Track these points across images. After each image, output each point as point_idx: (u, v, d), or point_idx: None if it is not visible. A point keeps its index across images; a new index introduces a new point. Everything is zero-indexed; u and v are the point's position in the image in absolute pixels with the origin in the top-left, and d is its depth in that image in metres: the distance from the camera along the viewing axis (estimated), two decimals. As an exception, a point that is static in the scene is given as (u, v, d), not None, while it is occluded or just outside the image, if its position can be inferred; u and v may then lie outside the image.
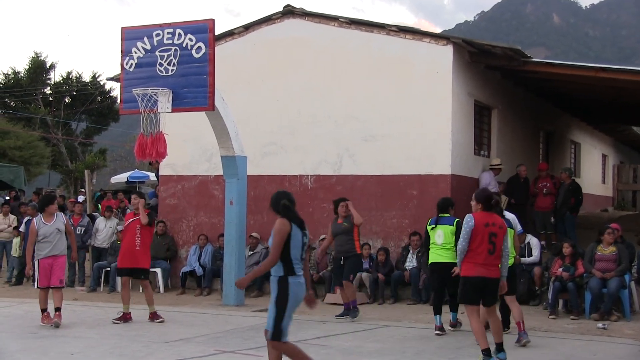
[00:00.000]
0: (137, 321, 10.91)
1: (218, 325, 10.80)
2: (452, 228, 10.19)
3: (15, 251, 16.30)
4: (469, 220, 8.03)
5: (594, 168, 27.20)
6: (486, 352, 7.91)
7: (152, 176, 28.00)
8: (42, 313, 10.70)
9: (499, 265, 8.06)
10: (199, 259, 15.07)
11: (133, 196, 11.62)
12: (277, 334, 6.45)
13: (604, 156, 29.18)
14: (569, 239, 12.91)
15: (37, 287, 10.72)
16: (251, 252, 14.57)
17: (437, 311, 10.25)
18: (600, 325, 10.68)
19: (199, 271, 14.91)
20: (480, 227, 7.93)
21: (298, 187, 15.10)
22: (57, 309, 10.56)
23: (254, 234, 14.77)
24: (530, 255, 12.87)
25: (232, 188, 13.04)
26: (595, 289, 11.37)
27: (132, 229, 11.16)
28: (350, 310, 11.33)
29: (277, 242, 6.46)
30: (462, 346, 9.26)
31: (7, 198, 21.40)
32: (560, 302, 11.94)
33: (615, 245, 11.76)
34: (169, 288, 15.41)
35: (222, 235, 14.01)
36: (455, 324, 10.52)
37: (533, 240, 13.09)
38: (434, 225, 10.35)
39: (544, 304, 12.26)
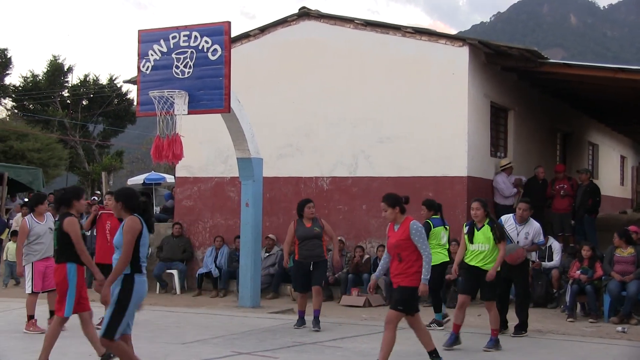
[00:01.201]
0: (154, 322, 10.94)
1: (234, 326, 10.80)
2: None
3: (5, 255, 16.20)
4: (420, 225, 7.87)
5: (613, 170, 26.99)
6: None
7: (169, 178, 28.09)
8: (29, 320, 10.13)
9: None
10: (215, 261, 15.11)
11: (108, 197, 11.16)
12: (110, 331, 6.23)
13: (623, 158, 28.95)
14: (587, 242, 12.80)
15: (31, 291, 9.98)
16: (267, 254, 14.59)
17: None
18: (619, 328, 10.59)
19: (215, 273, 14.95)
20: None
21: (314, 189, 15.11)
22: (53, 313, 9.87)
23: (270, 235, 14.80)
24: (551, 259, 12.79)
25: (248, 190, 13.06)
26: (614, 291, 11.27)
27: (103, 225, 10.89)
28: (314, 319, 10.50)
29: (129, 240, 6.30)
30: (478, 349, 9.20)
31: (26, 200, 21.54)
32: (578, 305, 11.85)
33: (634, 247, 11.66)
34: (185, 289, 15.46)
35: (238, 236, 14.03)
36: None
37: (555, 245, 13.01)
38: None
39: (562, 306, 12.18)
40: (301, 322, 10.59)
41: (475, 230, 9.19)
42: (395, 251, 7.63)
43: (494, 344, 8.99)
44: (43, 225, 10.09)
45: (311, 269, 10.56)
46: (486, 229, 9.12)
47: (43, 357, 7.64)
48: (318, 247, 10.66)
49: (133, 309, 6.37)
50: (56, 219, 8.24)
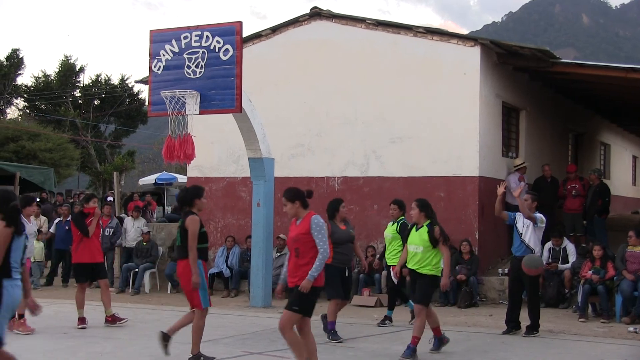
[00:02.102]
0: (165, 322, 10.96)
1: (245, 326, 10.82)
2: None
3: (39, 256, 16.11)
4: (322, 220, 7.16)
5: (625, 170, 26.86)
6: None
7: (180, 178, 28.16)
8: (20, 319, 10.13)
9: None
10: (226, 261, 15.13)
11: (94, 200, 11.24)
12: None
13: (635, 158, 28.81)
14: (599, 242, 12.76)
15: None
16: (278, 254, 14.60)
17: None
18: (631, 329, 10.55)
19: (227, 273, 14.97)
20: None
21: (325, 189, 15.11)
22: (21, 316, 10.06)
23: (281, 235, 14.80)
24: (566, 261, 12.74)
25: (260, 190, 13.08)
26: (626, 291, 11.23)
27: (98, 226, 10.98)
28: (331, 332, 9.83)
29: (0, 245, 6.18)
30: (489, 349, 9.19)
31: (38, 200, 21.66)
32: (590, 305, 11.81)
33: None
34: (196, 289, 15.47)
35: (250, 236, 14.06)
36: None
37: (570, 247, 12.97)
38: None
39: (574, 307, 12.13)
40: (336, 335, 9.69)
41: (414, 230, 8.76)
42: (293, 246, 7.07)
43: (411, 354, 8.36)
44: (30, 226, 10.21)
45: (346, 275, 10.02)
46: (423, 230, 8.58)
47: (195, 350, 8.09)
48: (352, 251, 10.17)
49: (5, 315, 6.19)
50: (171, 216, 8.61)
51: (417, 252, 8.61)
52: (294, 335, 6.99)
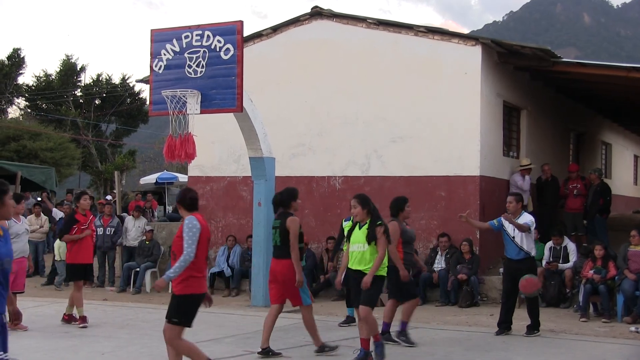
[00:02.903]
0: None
1: (247, 326, 10.82)
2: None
3: (59, 255, 15.88)
4: (195, 222, 6.79)
5: (626, 169, 26.85)
6: None
7: (181, 177, 28.16)
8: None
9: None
10: (227, 260, 15.13)
11: (84, 197, 11.26)
12: None
13: (636, 157, 28.79)
14: (600, 241, 12.75)
15: None
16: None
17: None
18: (632, 328, 10.54)
19: (228, 272, 14.97)
20: (205, 231, 6.86)
21: (326, 189, 15.11)
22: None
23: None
24: (566, 260, 12.73)
25: (260, 189, 13.07)
26: (628, 291, 11.22)
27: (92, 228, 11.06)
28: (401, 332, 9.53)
29: None
30: (491, 349, 9.19)
31: (39, 199, 21.67)
32: (591, 305, 11.80)
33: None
34: (197, 289, 15.45)
35: (251, 236, 14.05)
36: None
37: (570, 245, 12.95)
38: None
39: (575, 306, 12.12)
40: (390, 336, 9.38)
41: (357, 229, 8.17)
42: (172, 249, 6.92)
43: (364, 356, 7.94)
44: (20, 225, 10.29)
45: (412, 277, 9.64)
46: (365, 228, 8.05)
47: (317, 342, 8.58)
48: (413, 253, 9.96)
49: None
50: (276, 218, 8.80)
51: (362, 251, 8.00)
52: (185, 343, 6.70)
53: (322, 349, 8.50)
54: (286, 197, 8.70)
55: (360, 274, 7.92)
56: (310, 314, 8.51)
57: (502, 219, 10.00)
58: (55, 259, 15.93)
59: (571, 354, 8.86)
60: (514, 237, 9.96)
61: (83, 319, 10.59)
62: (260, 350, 8.36)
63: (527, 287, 9.74)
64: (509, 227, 9.96)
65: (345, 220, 10.34)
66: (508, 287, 10.28)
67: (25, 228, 10.49)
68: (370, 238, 7.86)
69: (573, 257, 12.77)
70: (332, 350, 8.57)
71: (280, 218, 8.58)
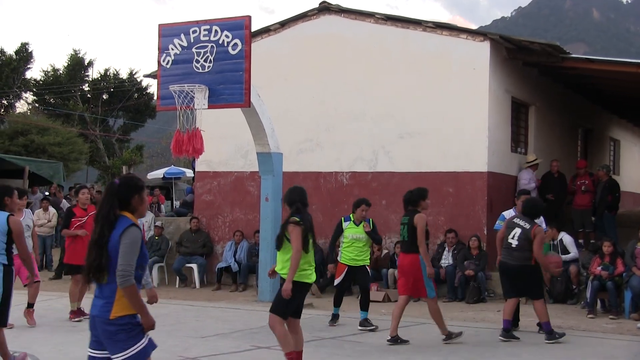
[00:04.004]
0: (173, 316, 11.00)
1: (254, 321, 10.83)
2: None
3: None
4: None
5: (634, 165, 26.72)
6: None
7: (189, 172, 28.20)
8: (29, 308, 10.13)
9: None
10: (234, 255, 15.15)
11: (83, 191, 11.15)
12: None
13: (645, 154, 28.67)
14: (608, 238, 12.71)
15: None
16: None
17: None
18: (640, 325, 10.52)
19: (235, 267, 14.99)
20: None
21: (333, 184, 15.11)
22: (31, 305, 10.10)
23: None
24: (565, 253, 12.70)
25: (268, 185, 13.07)
26: (636, 287, 11.19)
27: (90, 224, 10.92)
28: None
29: None
30: (498, 345, 9.18)
31: (47, 193, 21.74)
32: (599, 301, 11.78)
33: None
34: (204, 284, 15.52)
35: (258, 231, 14.06)
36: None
37: (566, 238, 12.91)
38: None
39: (582, 302, 12.10)
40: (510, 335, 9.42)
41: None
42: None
43: None
44: (22, 220, 9.83)
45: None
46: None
47: (443, 331, 9.12)
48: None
49: None
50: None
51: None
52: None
53: (449, 337, 9.07)
54: (416, 196, 9.22)
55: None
56: (435, 304, 9.07)
57: (505, 216, 10.19)
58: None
59: (578, 351, 8.84)
60: (514, 235, 9.94)
61: (75, 313, 10.63)
62: (389, 338, 8.99)
63: (555, 263, 9.79)
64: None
65: (345, 221, 10.35)
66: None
67: (26, 224, 10.14)
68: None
69: (573, 249, 12.74)
70: (458, 336, 9.14)
71: (409, 215, 9.11)
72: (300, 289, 7.11)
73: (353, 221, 10.29)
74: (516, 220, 9.40)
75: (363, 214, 10.31)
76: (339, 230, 10.39)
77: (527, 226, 9.18)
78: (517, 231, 9.25)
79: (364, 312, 10.26)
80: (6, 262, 7.36)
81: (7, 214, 7.47)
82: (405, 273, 9.13)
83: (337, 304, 10.58)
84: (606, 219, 14.77)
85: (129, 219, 4.76)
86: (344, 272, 10.38)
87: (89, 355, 4.95)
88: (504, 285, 9.75)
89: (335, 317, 10.59)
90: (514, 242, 9.25)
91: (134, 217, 4.81)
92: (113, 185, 4.86)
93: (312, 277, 7.17)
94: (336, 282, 10.53)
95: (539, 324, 9.96)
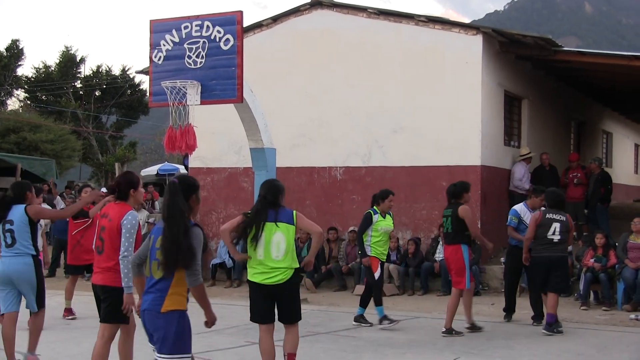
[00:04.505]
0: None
1: (248, 317, 10.82)
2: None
3: None
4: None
5: (627, 158, 26.82)
6: None
7: (182, 169, 28.16)
8: None
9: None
10: (228, 251, 15.13)
11: (85, 189, 11.02)
12: None
13: (637, 146, 28.75)
14: (601, 230, 12.76)
15: None
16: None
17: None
18: (632, 316, 10.58)
19: (229, 263, 14.98)
20: (98, 219, 6.56)
21: (327, 179, 15.10)
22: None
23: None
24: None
25: (261, 180, 12.97)
26: (629, 279, 11.25)
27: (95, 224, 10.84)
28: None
29: None
30: (492, 338, 9.21)
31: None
32: (592, 293, 11.82)
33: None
34: (199, 280, 15.47)
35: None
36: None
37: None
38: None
39: (575, 294, 12.14)
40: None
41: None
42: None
43: None
44: None
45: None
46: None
47: (469, 319, 9.53)
48: None
49: None
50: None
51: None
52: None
53: (472, 327, 9.50)
54: (460, 189, 9.55)
55: None
56: (469, 296, 9.59)
57: (519, 213, 10.22)
58: None
59: (572, 342, 8.88)
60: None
61: (69, 311, 10.62)
62: (444, 330, 9.27)
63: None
64: (526, 218, 10.11)
65: (374, 213, 9.99)
66: (512, 273, 10.47)
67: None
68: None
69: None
70: (480, 329, 9.53)
71: (452, 207, 9.43)
72: (251, 287, 6.75)
73: (380, 213, 9.96)
74: (550, 216, 9.49)
75: (391, 204, 10.10)
76: (369, 224, 9.87)
77: (564, 218, 9.45)
78: (557, 225, 9.40)
79: (363, 308, 10.00)
80: (34, 253, 7.54)
81: (24, 205, 7.59)
82: (449, 263, 9.54)
83: (380, 302, 9.92)
84: (599, 212, 14.81)
85: (190, 220, 4.93)
86: (380, 267, 9.95)
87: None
88: (535, 280, 9.76)
89: (386, 318, 9.86)
90: (556, 237, 9.41)
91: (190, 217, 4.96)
92: (176, 185, 4.99)
93: (256, 277, 6.62)
94: (377, 276, 9.87)
95: (533, 317, 10.02)
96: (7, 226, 7.44)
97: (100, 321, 6.33)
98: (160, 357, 4.84)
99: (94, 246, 6.80)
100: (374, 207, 10.01)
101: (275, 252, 6.49)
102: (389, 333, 9.54)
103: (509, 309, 10.50)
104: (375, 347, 8.60)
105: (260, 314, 6.70)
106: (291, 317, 6.71)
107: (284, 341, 6.76)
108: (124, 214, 6.20)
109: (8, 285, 7.45)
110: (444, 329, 9.28)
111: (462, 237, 9.34)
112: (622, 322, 10.30)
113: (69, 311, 10.69)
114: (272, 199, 6.58)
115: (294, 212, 6.59)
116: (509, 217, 10.38)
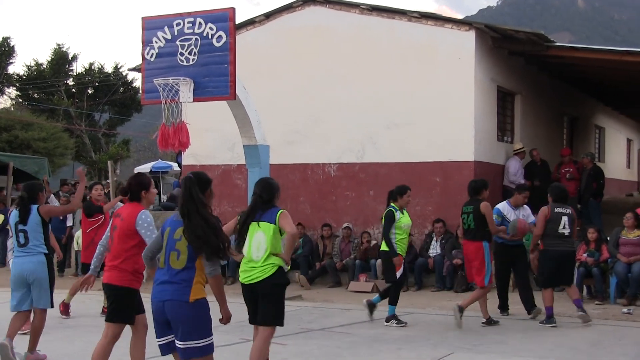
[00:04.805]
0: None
1: (243, 314, 10.71)
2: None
3: (77, 245, 15.53)
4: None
5: (619, 153, 26.90)
6: None
7: (176, 166, 28.14)
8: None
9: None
10: (222, 248, 15.10)
11: (96, 187, 10.89)
12: None
13: (629, 140, 28.84)
14: (593, 224, 12.80)
15: None
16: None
17: None
18: (625, 310, 10.61)
19: (223, 260, 14.94)
20: (113, 218, 6.55)
21: (321, 176, 15.10)
22: None
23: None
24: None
25: (255, 177, 12.97)
26: (621, 273, 11.29)
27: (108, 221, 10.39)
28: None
29: None
30: (486, 333, 9.23)
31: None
32: (585, 287, 11.85)
33: (640, 229, 11.66)
34: (193, 277, 15.46)
35: (245, 224, 14.01)
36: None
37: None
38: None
39: (569, 289, 12.16)
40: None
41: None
42: None
43: None
44: None
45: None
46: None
47: (485, 314, 9.74)
48: None
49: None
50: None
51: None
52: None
53: (489, 322, 9.68)
54: (479, 185, 9.89)
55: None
56: (481, 292, 9.72)
57: (502, 211, 10.37)
58: (75, 249, 16.01)
59: (565, 337, 8.90)
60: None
61: (66, 308, 10.61)
62: (484, 321, 9.65)
63: (521, 231, 10.12)
64: (509, 215, 10.27)
65: (396, 210, 9.77)
66: (502, 269, 10.51)
67: None
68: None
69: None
70: (497, 323, 9.72)
71: (472, 204, 9.70)
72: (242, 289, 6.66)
73: (400, 210, 9.77)
74: (558, 210, 9.62)
75: (409, 200, 9.98)
76: (393, 222, 9.70)
77: (569, 211, 9.66)
78: (565, 219, 9.57)
79: (393, 306, 9.82)
80: (47, 252, 7.76)
81: (37, 205, 7.79)
82: (471, 260, 9.71)
83: (396, 301, 9.87)
84: (591, 206, 14.87)
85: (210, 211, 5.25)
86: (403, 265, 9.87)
87: (160, 345, 5.26)
88: (554, 274, 9.72)
89: (395, 317, 9.82)
90: (567, 231, 9.61)
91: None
92: (192, 180, 5.17)
93: (240, 276, 6.61)
94: (399, 274, 9.72)
95: (500, 307, 10.23)
96: (21, 226, 7.65)
97: (105, 320, 6.36)
98: (188, 344, 5.04)
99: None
100: (393, 205, 9.78)
101: (255, 252, 6.42)
102: (383, 329, 9.55)
103: (504, 307, 10.53)
104: (370, 343, 8.60)
105: (248, 314, 6.72)
106: (262, 317, 6.49)
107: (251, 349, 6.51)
108: (137, 214, 6.18)
109: (22, 286, 7.63)
110: (483, 320, 9.69)
111: (484, 233, 9.59)
112: (615, 316, 10.33)
113: (66, 307, 10.62)
114: (266, 198, 6.56)
115: (280, 210, 6.46)
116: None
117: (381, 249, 9.94)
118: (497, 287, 10.56)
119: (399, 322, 9.71)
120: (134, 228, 6.13)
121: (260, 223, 6.42)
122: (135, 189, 6.39)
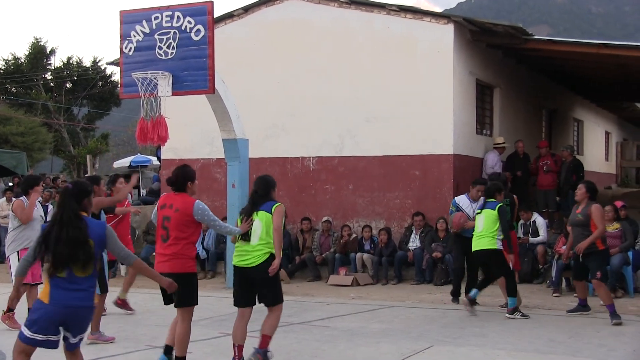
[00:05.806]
0: (141, 305, 10.94)
1: (222, 308, 10.80)
2: (494, 213, 9.91)
3: None
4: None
5: (598, 145, 27.11)
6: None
7: (155, 160, 27.97)
8: (10, 312, 9.21)
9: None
10: (202, 242, 15.06)
11: (120, 180, 10.35)
12: None
13: (607, 133, 29.08)
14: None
15: (23, 284, 8.61)
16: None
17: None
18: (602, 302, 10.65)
19: (203, 254, 14.90)
20: (158, 210, 6.89)
21: (300, 169, 15.09)
22: (10, 310, 9.24)
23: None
24: (536, 235, 12.86)
25: (234, 171, 13.01)
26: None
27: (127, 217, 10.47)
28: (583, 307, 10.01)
29: None
30: (466, 326, 9.27)
31: (11, 184, 21.40)
32: (564, 280, 11.94)
33: (619, 222, 11.73)
34: (173, 272, 15.40)
35: (225, 218, 13.99)
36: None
37: (539, 220, 13.09)
38: (479, 211, 10.17)
39: (548, 282, 12.27)
40: (579, 308, 9.98)
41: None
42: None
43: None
44: (37, 210, 9.32)
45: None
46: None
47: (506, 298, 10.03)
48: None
49: None
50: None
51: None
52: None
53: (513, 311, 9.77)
54: (495, 185, 10.38)
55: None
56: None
57: (457, 201, 11.01)
58: None
59: (544, 329, 8.97)
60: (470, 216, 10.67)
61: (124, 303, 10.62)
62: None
63: (457, 225, 10.63)
64: (467, 209, 10.76)
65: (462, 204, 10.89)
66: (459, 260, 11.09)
67: (39, 214, 9.47)
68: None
69: (542, 232, 12.90)
70: (525, 316, 9.73)
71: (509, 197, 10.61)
72: (234, 271, 7.24)
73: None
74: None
75: (479, 194, 10.68)
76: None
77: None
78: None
79: (514, 297, 9.89)
80: None
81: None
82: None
83: (516, 292, 9.98)
84: (571, 199, 14.92)
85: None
86: None
87: (49, 340, 5.27)
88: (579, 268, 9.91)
89: (518, 309, 9.92)
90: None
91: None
92: (69, 190, 5.40)
93: (234, 259, 7.13)
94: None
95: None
96: None
97: (175, 306, 6.70)
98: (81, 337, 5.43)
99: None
100: (493, 200, 10.13)
101: (252, 238, 6.97)
102: (363, 322, 9.57)
103: (456, 293, 11.05)
104: (349, 337, 8.61)
105: (235, 296, 7.13)
106: (267, 299, 7.02)
107: (262, 323, 7.09)
108: (192, 204, 6.70)
109: None
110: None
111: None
112: (593, 308, 10.41)
113: (123, 302, 10.54)
114: (262, 193, 7.19)
115: (277, 204, 7.09)
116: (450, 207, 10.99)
117: (486, 247, 9.94)
118: (454, 275, 11.31)
119: (523, 315, 9.75)
120: (192, 217, 6.66)
121: (259, 212, 7.05)
122: (181, 181, 6.87)
